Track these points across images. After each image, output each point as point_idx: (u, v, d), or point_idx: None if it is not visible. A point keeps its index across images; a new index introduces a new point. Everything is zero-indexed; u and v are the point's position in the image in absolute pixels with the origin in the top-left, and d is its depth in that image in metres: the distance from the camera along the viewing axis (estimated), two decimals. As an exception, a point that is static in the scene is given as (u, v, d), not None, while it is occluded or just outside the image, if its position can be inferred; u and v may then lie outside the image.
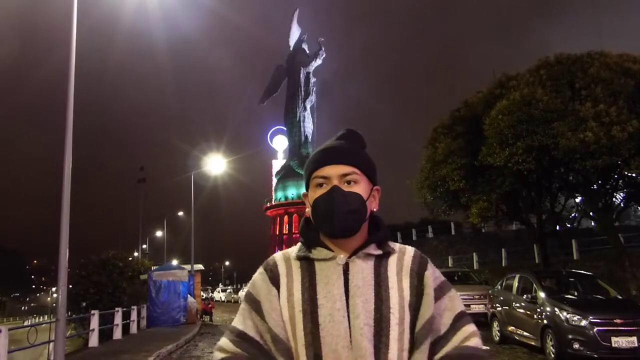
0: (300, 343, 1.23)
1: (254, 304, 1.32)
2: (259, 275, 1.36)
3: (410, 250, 1.36)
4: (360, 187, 1.30)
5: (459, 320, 1.33)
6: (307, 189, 1.37)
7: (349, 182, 1.29)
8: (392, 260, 1.32)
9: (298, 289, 1.27)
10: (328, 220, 1.26)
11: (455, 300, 1.35)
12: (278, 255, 1.38)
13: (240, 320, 1.33)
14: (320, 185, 1.30)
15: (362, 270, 1.28)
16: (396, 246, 1.36)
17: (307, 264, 1.31)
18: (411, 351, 1.26)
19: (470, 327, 1.33)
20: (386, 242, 1.34)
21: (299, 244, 1.36)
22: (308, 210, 1.35)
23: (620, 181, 14.54)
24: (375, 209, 1.36)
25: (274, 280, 1.31)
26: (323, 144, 1.40)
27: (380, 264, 1.31)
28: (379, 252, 1.31)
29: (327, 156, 1.32)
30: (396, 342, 1.23)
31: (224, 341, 1.32)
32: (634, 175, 12.80)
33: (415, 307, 1.28)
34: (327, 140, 1.41)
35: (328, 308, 1.23)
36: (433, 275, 1.33)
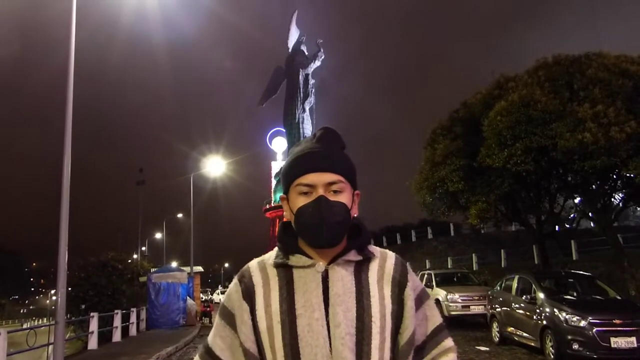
0: (280, 354, 1.19)
1: (228, 317, 1.30)
2: (234, 287, 1.31)
3: (391, 256, 1.33)
4: (345, 196, 1.25)
5: (438, 333, 1.33)
6: (285, 193, 1.31)
7: (334, 191, 1.24)
8: (373, 266, 1.29)
9: (276, 299, 1.23)
10: (315, 231, 1.21)
11: (434, 310, 1.35)
12: (253, 264, 1.32)
13: (211, 336, 1.32)
14: (305, 193, 1.24)
15: (342, 277, 1.24)
16: (377, 251, 1.32)
17: (285, 272, 1.26)
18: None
19: (448, 342, 1.33)
20: (366, 247, 1.30)
21: (276, 249, 1.31)
22: (287, 214, 1.30)
23: (619, 182, 14.58)
24: (355, 214, 1.31)
25: (247, 293, 1.27)
26: (302, 147, 1.30)
27: (360, 270, 1.27)
28: (359, 258, 1.28)
29: (311, 162, 1.25)
30: (377, 350, 1.20)
31: (199, 355, 1.33)
32: (632, 175, 12.81)
33: (397, 315, 1.26)
34: (304, 141, 1.32)
35: (306, 318, 1.20)
36: (413, 285, 1.30)
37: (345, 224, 1.24)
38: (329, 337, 1.19)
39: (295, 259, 1.26)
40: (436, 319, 1.33)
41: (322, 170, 1.24)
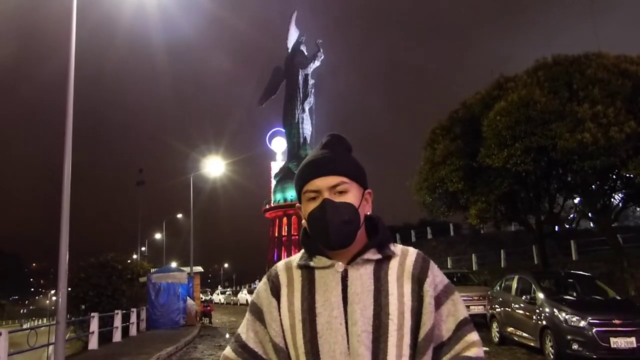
0: (301, 351, 1.25)
1: (257, 313, 1.37)
2: (262, 285, 1.39)
3: (412, 253, 1.34)
4: (351, 196, 1.30)
5: (462, 328, 1.33)
6: (299, 202, 1.36)
7: (339, 192, 1.29)
8: (394, 264, 1.31)
9: (298, 298, 1.30)
10: (323, 234, 1.26)
11: (458, 305, 1.34)
12: (280, 265, 1.40)
13: (244, 330, 1.39)
14: (312, 199, 1.30)
15: (361, 276, 1.28)
16: (397, 248, 1.35)
17: (308, 273, 1.32)
18: (413, 358, 1.26)
19: (473, 336, 1.33)
20: (387, 245, 1.33)
21: (302, 251, 1.37)
22: (304, 222, 1.35)
23: (619, 182, 14.58)
24: (368, 213, 1.35)
25: (275, 290, 1.34)
26: (309, 156, 1.38)
27: (380, 268, 1.30)
28: (379, 256, 1.31)
29: (314, 169, 1.31)
30: (394, 348, 1.23)
31: (228, 350, 1.41)
32: (632, 176, 12.83)
33: (417, 312, 1.27)
34: (313, 150, 1.40)
35: (326, 316, 1.25)
36: (434, 282, 1.31)
37: (353, 223, 1.27)
38: (347, 335, 1.23)
39: (317, 261, 1.31)
40: (460, 314, 1.33)
41: (324, 174, 1.30)
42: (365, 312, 1.24)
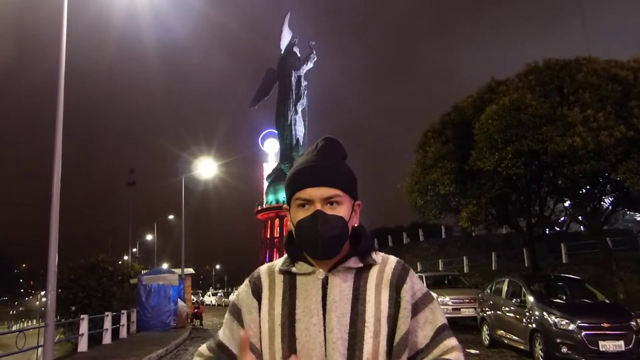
0: (278, 355, 1.25)
1: (236, 314, 1.37)
2: (244, 287, 1.40)
3: (392, 261, 1.35)
4: (343, 209, 1.28)
5: (440, 333, 1.32)
6: (288, 204, 1.34)
7: (331, 204, 1.28)
8: (373, 273, 1.32)
9: (279, 302, 1.30)
10: (312, 244, 1.26)
11: (437, 313, 1.34)
12: (263, 268, 1.40)
13: (222, 329, 1.41)
14: (303, 206, 1.29)
15: (340, 284, 1.28)
16: (379, 257, 1.35)
17: (289, 278, 1.33)
18: None
19: (451, 341, 1.32)
20: (368, 254, 1.33)
21: (285, 256, 1.37)
22: (289, 224, 1.35)
23: (608, 186, 14.69)
24: (356, 224, 1.34)
25: (256, 292, 1.35)
26: (302, 160, 1.35)
27: (360, 276, 1.30)
28: (360, 264, 1.31)
29: (309, 177, 1.29)
30: (370, 355, 1.23)
31: (203, 347, 1.43)
32: (621, 179, 12.93)
33: (393, 319, 1.27)
34: (306, 152, 1.37)
35: (305, 322, 1.26)
36: (412, 289, 1.31)
37: (342, 237, 1.27)
38: (325, 342, 1.24)
39: (299, 267, 1.32)
40: (438, 321, 1.33)
41: (319, 184, 1.28)
42: (342, 319, 1.25)
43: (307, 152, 1.37)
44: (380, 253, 1.37)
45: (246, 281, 1.41)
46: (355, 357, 1.23)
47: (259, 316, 1.32)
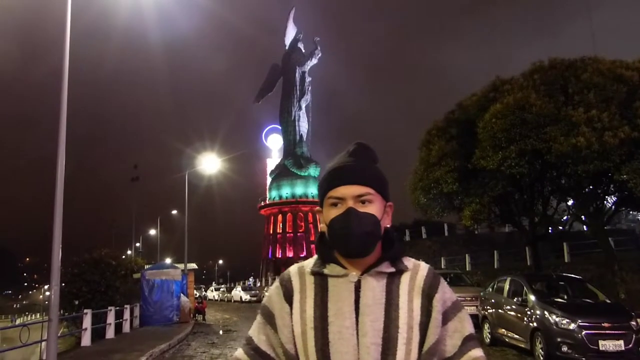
0: (312, 358, 1.27)
1: (269, 317, 1.38)
2: (275, 289, 1.40)
3: (424, 268, 1.36)
4: (375, 207, 1.31)
5: (466, 343, 1.34)
6: (321, 206, 1.37)
7: (363, 202, 1.30)
8: (405, 278, 1.33)
9: (311, 305, 1.31)
10: (343, 241, 1.28)
11: (465, 322, 1.36)
12: (293, 270, 1.41)
13: (255, 334, 1.41)
14: (335, 205, 1.31)
15: (373, 288, 1.30)
16: (410, 263, 1.36)
17: (321, 280, 1.33)
18: None
19: (477, 352, 1.34)
20: (400, 259, 1.35)
21: (316, 257, 1.39)
22: (323, 226, 1.36)
23: (612, 186, 14.66)
24: (388, 225, 1.37)
25: (287, 296, 1.36)
26: (335, 161, 1.38)
27: (392, 281, 1.32)
28: (392, 269, 1.32)
29: (341, 176, 1.32)
30: None
31: (240, 352, 1.42)
32: (624, 179, 12.90)
33: (425, 327, 1.29)
34: (339, 156, 1.41)
35: (337, 325, 1.26)
36: (443, 298, 1.33)
37: (373, 235, 1.29)
38: (358, 345, 1.25)
39: (330, 268, 1.33)
40: (466, 330, 1.35)
41: (351, 182, 1.31)
42: (375, 324, 1.26)
43: (340, 155, 1.40)
44: (411, 259, 1.39)
45: (276, 283, 1.41)
46: None
47: (291, 320, 1.32)
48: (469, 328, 1.36)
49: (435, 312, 1.31)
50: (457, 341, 1.33)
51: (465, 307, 1.40)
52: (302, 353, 1.29)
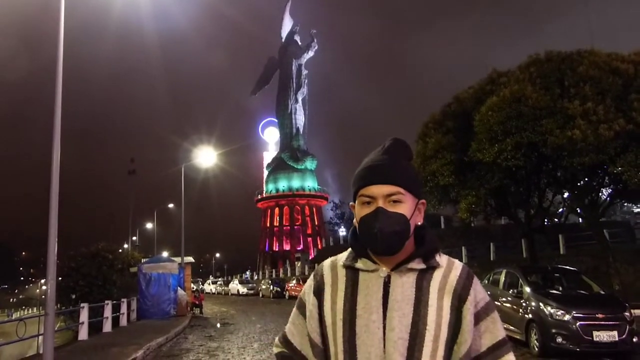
0: (340, 349, 1.32)
1: (301, 308, 1.47)
2: (309, 282, 1.48)
3: (458, 267, 1.37)
4: (405, 206, 1.32)
5: (500, 347, 1.34)
6: (354, 202, 1.40)
7: (394, 202, 1.32)
8: (437, 276, 1.34)
9: (341, 297, 1.35)
10: (372, 240, 1.30)
11: (497, 323, 1.36)
12: (326, 263, 1.46)
13: (288, 324, 1.53)
14: (367, 203, 1.34)
15: (403, 284, 1.31)
16: (443, 259, 1.37)
17: (352, 274, 1.37)
18: None
19: (509, 357, 1.34)
20: (432, 256, 1.35)
21: (349, 250, 1.42)
22: (356, 221, 1.38)
23: (607, 178, 14.72)
24: (419, 223, 1.38)
25: (317, 290, 1.42)
26: (369, 159, 1.40)
27: (423, 278, 1.33)
28: (423, 266, 1.33)
29: (372, 175, 1.34)
30: (428, 358, 1.26)
31: (277, 339, 1.55)
32: (619, 172, 12.95)
33: (454, 326, 1.30)
34: (374, 152, 1.42)
35: (365, 319, 1.30)
36: (475, 299, 1.33)
37: (402, 234, 1.31)
38: (384, 339, 1.28)
39: (362, 263, 1.37)
40: (498, 333, 1.35)
41: (382, 182, 1.33)
42: (403, 319, 1.28)
43: (375, 151, 1.42)
44: (445, 255, 1.39)
45: (312, 276, 1.48)
46: (414, 357, 1.26)
47: (321, 312, 1.39)
48: (501, 331, 1.36)
49: (469, 314, 1.31)
50: (487, 341, 1.34)
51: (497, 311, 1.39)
52: (332, 343, 1.34)
